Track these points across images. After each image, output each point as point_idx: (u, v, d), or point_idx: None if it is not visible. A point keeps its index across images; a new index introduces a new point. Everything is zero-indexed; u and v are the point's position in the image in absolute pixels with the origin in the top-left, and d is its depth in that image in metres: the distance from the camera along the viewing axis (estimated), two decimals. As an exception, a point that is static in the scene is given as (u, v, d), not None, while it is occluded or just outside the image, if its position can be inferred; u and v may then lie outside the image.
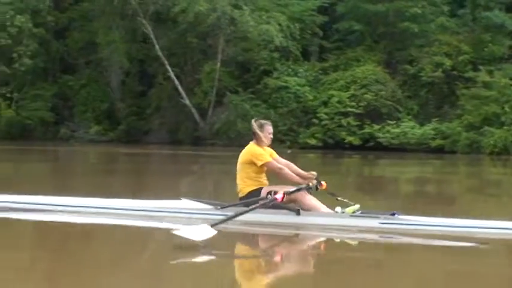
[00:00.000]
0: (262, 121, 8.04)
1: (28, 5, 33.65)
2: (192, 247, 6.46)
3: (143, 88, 36.68)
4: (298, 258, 6.88)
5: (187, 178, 17.24)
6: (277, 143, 31.83)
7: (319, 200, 7.82)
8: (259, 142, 7.88)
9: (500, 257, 7.02)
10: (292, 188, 7.62)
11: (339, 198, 7.84)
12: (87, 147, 32.86)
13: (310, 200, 7.70)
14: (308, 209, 7.67)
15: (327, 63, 34.45)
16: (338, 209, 7.70)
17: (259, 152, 7.80)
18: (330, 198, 7.90)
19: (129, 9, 33.11)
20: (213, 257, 6.51)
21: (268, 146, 8.01)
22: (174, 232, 6.46)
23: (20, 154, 27.61)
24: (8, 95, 35.12)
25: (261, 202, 7.49)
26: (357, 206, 7.72)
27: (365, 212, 7.74)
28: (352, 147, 31.51)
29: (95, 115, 36.04)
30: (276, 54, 33.45)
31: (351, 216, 7.63)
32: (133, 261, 6.27)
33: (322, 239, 7.71)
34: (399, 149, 30.66)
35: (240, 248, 7.36)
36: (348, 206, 7.72)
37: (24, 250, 6.70)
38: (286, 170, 7.78)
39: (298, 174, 7.85)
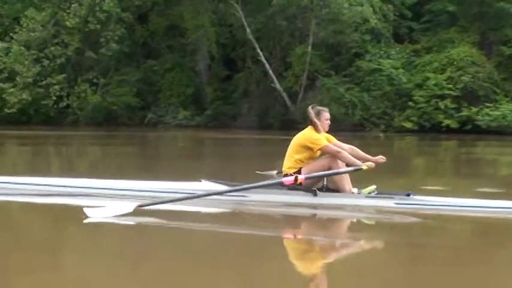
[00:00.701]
0: (319, 107, 8.06)
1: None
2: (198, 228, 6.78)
3: (228, 73, 36.30)
4: (314, 239, 6.81)
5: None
6: (371, 127, 31.46)
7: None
8: (316, 129, 7.89)
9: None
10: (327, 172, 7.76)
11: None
12: (174, 132, 32.67)
13: (346, 184, 7.84)
14: (340, 190, 7.83)
15: (419, 45, 33.66)
16: (355, 189, 7.88)
17: (315, 136, 7.84)
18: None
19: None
20: (228, 233, 6.60)
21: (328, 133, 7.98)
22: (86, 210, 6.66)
23: (110, 139, 27.43)
24: (95, 80, 34.91)
25: (267, 182, 7.64)
26: (374, 187, 7.87)
27: (380, 192, 7.89)
28: (449, 131, 30.77)
29: (180, 100, 35.74)
30: (367, 37, 32.78)
31: (367, 196, 7.79)
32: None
33: (339, 218, 7.87)
34: (498, 132, 29.87)
35: (258, 227, 7.15)
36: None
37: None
38: (345, 153, 7.77)
39: (363, 158, 7.86)
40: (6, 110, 33.75)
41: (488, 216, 7.57)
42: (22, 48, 33.08)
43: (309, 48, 32.28)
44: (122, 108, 35.54)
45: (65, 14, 32.76)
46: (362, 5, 31.58)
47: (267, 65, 32.83)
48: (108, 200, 7.66)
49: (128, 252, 5.75)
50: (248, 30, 32.54)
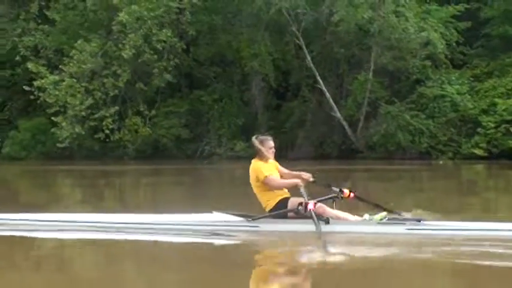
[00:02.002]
0: (262, 137, 8.50)
1: (170, 19, 32.44)
2: (224, 258, 7.15)
3: (278, 102, 35.58)
4: (328, 266, 6.98)
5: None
6: (438, 154, 30.82)
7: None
8: (261, 158, 8.27)
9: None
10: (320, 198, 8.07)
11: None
12: (230, 164, 31.81)
13: (333, 211, 8.05)
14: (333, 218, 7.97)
15: (477, 70, 33.23)
16: (366, 216, 8.07)
17: (258, 167, 8.18)
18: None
19: (281, 21, 31.96)
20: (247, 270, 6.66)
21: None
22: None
23: (175, 173, 26.56)
24: (146, 112, 33.91)
25: (314, 217, 7.82)
26: (384, 213, 8.07)
27: (392, 218, 8.07)
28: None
29: (231, 131, 34.87)
30: (427, 62, 32.28)
31: (378, 223, 7.92)
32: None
33: (350, 245, 7.92)
34: None
35: (272, 258, 7.49)
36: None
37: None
38: (279, 181, 8.20)
39: (294, 176, 8.28)
40: (58, 144, 32.54)
41: (497, 238, 7.62)
42: (74, 80, 31.96)
43: (370, 75, 31.67)
44: (172, 141, 34.53)
45: (120, 45, 31.71)
46: (424, 30, 31.07)
47: (327, 94, 32.11)
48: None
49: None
50: (309, 58, 31.87)
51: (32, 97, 37.26)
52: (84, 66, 32.17)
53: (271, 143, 8.41)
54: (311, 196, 8.23)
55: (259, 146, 8.34)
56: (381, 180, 21.22)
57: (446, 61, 32.96)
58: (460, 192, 16.99)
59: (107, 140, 33.04)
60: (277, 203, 8.11)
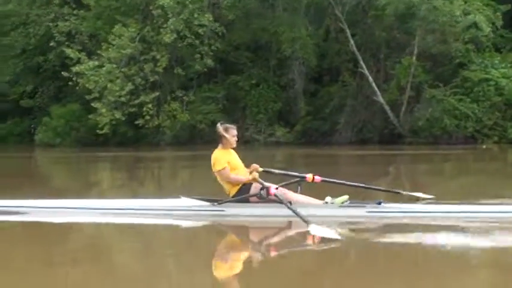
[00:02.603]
0: (228, 125, 8.61)
1: (210, 2, 31.99)
2: (189, 241, 7.48)
3: (315, 86, 35.22)
4: (291, 247, 7.24)
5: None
6: (483, 139, 30.54)
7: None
8: (224, 145, 8.44)
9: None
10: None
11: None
12: (269, 149, 31.48)
13: (296, 195, 8.25)
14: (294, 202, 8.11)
15: (520, 53, 32.90)
16: (328, 199, 8.24)
17: (216, 157, 8.35)
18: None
19: (322, 4, 31.56)
20: (212, 250, 6.94)
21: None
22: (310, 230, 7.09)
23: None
24: (186, 98, 33.50)
25: (280, 199, 7.97)
26: (346, 197, 8.21)
27: (353, 202, 8.24)
28: None
29: (268, 116, 34.51)
30: (470, 46, 31.92)
31: (340, 206, 8.13)
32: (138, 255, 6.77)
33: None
34: None
35: (237, 240, 7.75)
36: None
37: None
38: (235, 176, 8.31)
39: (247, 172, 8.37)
40: (98, 131, 32.14)
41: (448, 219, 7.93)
42: (114, 66, 31.52)
43: (414, 59, 31.30)
44: (209, 126, 34.10)
45: (161, 29, 31.26)
46: (469, 13, 30.69)
47: (370, 78, 31.74)
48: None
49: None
50: (352, 42, 31.48)
51: (62, 83, 37.10)
52: (123, 51, 31.70)
53: (235, 132, 8.56)
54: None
55: (223, 133, 8.45)
56: (430, 165, 20.89)
57: (489, 44, 32.60)
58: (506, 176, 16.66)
59: (146, 126, 32.58)
60: (240, 188, 8.31)
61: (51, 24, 34.96)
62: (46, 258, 6.60)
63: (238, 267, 6.37)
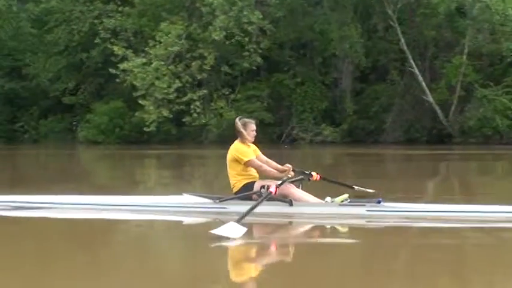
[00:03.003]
0: (246, 119, 8.69)
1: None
2: (192, 238, 7.48)
3: (361, 85, 34.93)
4: (292, 245, 7.32)
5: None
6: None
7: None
8: (243, 140, 8.48)
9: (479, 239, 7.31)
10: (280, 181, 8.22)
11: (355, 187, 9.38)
12: (315, 149, 31.26)
13: (298, 192, 8.30)
14: (298, 200, 8.24)
15: None
16: (328, 198, 8.35)
17: (242, 149, 8.37)
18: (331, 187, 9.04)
19: (370, 3, 31.27)
20: (211, 246, 6.82)
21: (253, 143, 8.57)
22: (212, 231, 6.87)
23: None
24: (232, 96, 33.29)
25: (264, 196, 7.95)
26: (346, 195, 8.33)
27: (353, 200, 8.35)
28: None
29: (314, 115, 34.24)
30: (521, 44, 31.50)
31: (340, 205, 8.23)
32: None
33: (313, 226, 8.20)
34: None
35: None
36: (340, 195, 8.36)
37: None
38: (265, 167, 8.36)
39: (276, 169, 8.43)
40: (145, 128, 31.99)
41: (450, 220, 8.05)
42: (162, 63, 31.35)
43: (464, 58, 30.95)
44: (256, 125, 33.79)
45: (209, 27, 31.07)
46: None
47: (420, 77, 31.41)
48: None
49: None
50: (402, 40, 31.14)
51: (103, 80, 37.00)
52: (170, 48, 31.52)
53: (254, 126, 8.63)
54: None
55: (241, 129, 8.53)
56: (482, 165, 20.59)
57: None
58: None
59: (192, 123, 32.39)
60: (243, 185, 8.38)
61: (96, 21, 34.76)
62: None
63: (235, 265, 6.40)
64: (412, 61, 31.45)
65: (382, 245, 6.99)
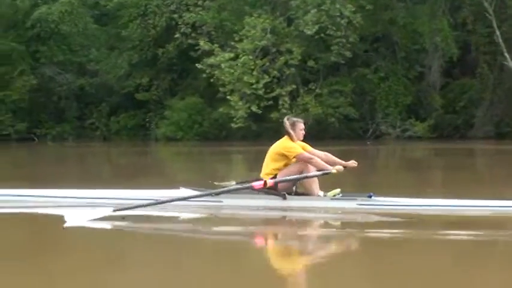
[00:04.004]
0: (294, 119, 8.79)
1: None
2: (191, 231, 7.60)
3: (447, 79, 34.21)
4: (286, 238, 7.61)
5: None
6: None
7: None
8: (291, 138, 8.58)
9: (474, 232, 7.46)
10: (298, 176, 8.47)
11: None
12: (402, 144, 30.63)
13: (315, 189, 8.51)
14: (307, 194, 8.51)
15: None
16: (320, 193, 8.52)
17: (291, 145, 8.53)
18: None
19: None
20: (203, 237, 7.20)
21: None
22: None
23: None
24: (318, 91, 32.59)
25: (231, 188, 8.34)
26: (338, 190, 8.51)
27: (345, 194, 8.55)
28: None
29: (398, 110, 33.52)
30: None
31: (332, 199, 8.46)
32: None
33: (306, 220, 8.57)
34: None
35: (234, 230, 7.87)
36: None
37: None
38: (317, 160, 8.46)
39: (335, 163, 8.54)
40: (232, 124, 31.31)
41: (441, 213, 8.35)
42: (250, 58, 30.67)
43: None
44: (340, 120, 33.19)
45: (300, 20, 30.37)
46: None
47: (516, 70, 30.73)
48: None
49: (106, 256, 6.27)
50: (498, 32, 30.41)
51: (176, 76, 36.36)
52: (258, 43, 30.81)
53: (302, 126, 8.71)
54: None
55: (290, 129, 8.61)
56: None
57: None
58: None
59: (279, 119, 31.62)
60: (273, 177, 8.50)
61: (175, 15, 34.04)
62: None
63: (231, 257, 6.39)
64: (507, 54, 30.69)
65: (372, 239, 7.19)
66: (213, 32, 33.32)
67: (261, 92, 30.81)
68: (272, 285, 5.25)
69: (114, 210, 7.73)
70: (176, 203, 8.44)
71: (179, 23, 33.84)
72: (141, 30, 35.78)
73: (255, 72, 30.80)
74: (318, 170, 8.43)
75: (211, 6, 33.97)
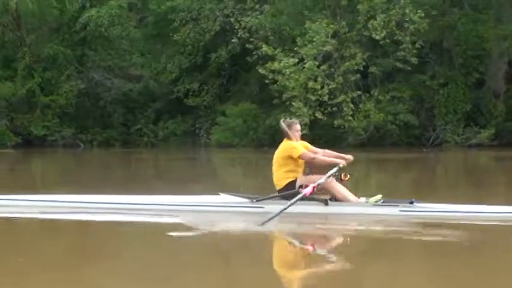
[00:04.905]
0: (290, 120, 9.03)
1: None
2: (227, 239, 7.79)
3: (508, 86, 33.77)
4: (329, 246, 7.73)
5: None
6: None
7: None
8: (290, 140, 8.74)
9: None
10: (323, 177, 8.48)
11: None
12: (463, 152, 30.24)
13: (340, 188, 8.60)
14: (338, 198, 8.59)
15: None
16: (362, 199, 8.67)
17: (293, 145, 8.68)
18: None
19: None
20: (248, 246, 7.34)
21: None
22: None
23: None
24: (381, 97, 32.08)
25: (296, 198, 8.28)
26: (379, 196, 8.64)
27: (387, 201, 8.64)
28: None
29: (458, 117, 33.05)
30: None
31: (374, 205, 8.55)
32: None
33: (350, 227, 8.60)
34: None
35: (276, 239, 8.18)
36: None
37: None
38: (320, 157, 8.66)
39: (337, 157, 8.71)
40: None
41: (485, 221, 8.35)
42: (315, 63, 30.13)
43: None
44: (400, 127, 32.67)
45: (369, 25, 29.86)
46: None
47: None
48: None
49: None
50: None
51: (225, 81, 35.83)
52: (322, 48, 30.27)
53: (298, 127, 8.86)
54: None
55: (287, 130, 8.77)
56: None
57: None
58: None
59: (342, 126, 31.14)
60: (286, 184, 8.65)
61: (231, 19, 33.44)
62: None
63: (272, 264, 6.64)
64: None
65: (415, 245, 7.39)
66: (270, 37, 32.65)
67: (325, 98, 30.22)
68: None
69: (261, 224, 7.89)
70: (216, 209, 8.76)
71: (236, 27, 33.17)
72: (193, 35, 35.08)
73: (319, 78, 30.21)
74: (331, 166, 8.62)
75: (268, 11, 33.36)
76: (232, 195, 8.82)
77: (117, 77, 36.93)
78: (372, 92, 31.91)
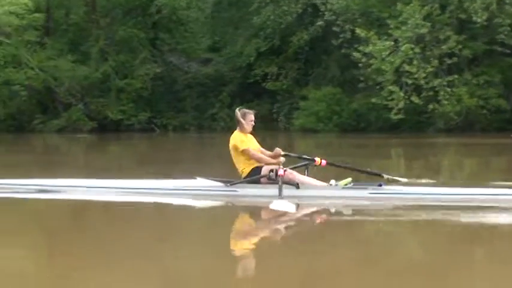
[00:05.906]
0: (246, 110, 9.36)
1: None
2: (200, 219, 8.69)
3: None
4: (300, 224, 8.30)
5: None
6: None
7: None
8: (241, 129, 9.19)
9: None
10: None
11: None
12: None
13: (302, 177, 9.03)
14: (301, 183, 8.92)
15: None
16: (332, 181, 8.99)
17: (241, 138, 9.11)
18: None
19: None
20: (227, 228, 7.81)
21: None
22: (270, 206, 8.60)
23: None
24: (474, 81, 31.25)
25: (277, 179, 8.78)
26: (349, 179, 8.98)
27: (356, 184, 9.01)
28: None
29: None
30: None
31: (343, 188, 8.90)
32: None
33: (319, 208, 9.08)
34: None
35: (251, 219, 8.77)
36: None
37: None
38: (259, 155, 9.10)
39: (269, 156, 9.10)
40: (391, 115, 29.94)
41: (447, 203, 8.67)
42: (412, 46, 29.30)
43: None
44: (492, 113, 31.82)
45: (470, 8, 28.98)
46: None
47: None
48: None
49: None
50: None
51: (301, 65, 35.06)
52: (418, 30, 29.44)
53: (252, 117, 9.16)
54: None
55: (241, 119, 9.14)
56: None
57: None
58: None
59: (436, 110, 30.32)
60: (252, 170, 9.04)
61: (317, 1, 32.58)
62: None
63: (246, 246, 6.88)
64: None
65: (382, 224, 7.79)
66: (358, 19, 31.81)
67: (422, 82, 29.42)
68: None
69: (280, 197, 8.91)
70: (192, 192, 9.26)
71: (321, 9, 32.32)
72: (274, 17, 34.23)
73: (415, 62, 29.39)
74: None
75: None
76: (208, 179, 9.21)
77: (192, 60, 36.11)
78: (463, 76, 30.95)
